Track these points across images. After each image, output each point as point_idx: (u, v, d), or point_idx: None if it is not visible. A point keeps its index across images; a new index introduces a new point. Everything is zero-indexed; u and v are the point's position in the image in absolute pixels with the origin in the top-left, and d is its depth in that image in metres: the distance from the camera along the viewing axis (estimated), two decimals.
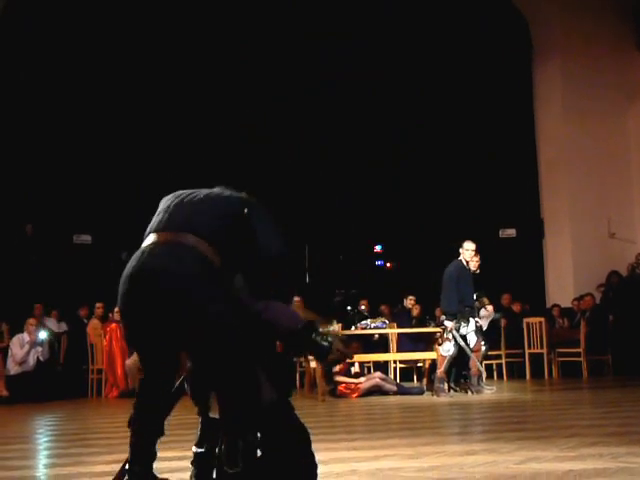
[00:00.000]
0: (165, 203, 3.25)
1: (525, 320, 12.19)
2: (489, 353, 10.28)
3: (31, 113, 13.39)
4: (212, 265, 2.99)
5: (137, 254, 3.12)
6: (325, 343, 3.17)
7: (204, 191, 3.23)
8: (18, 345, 10.79)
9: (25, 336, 10.82)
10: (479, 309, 9.84)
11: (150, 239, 3.11)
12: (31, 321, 10.96)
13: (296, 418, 3.39)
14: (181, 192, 3.26)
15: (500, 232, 15.00)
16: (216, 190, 3.26)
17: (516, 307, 13.06)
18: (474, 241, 9.51)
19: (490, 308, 10.59)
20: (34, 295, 12.03)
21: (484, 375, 9.50)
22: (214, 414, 3.24)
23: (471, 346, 9.22)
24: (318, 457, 4.20)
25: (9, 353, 10.80)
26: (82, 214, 13.75)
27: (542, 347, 11.86)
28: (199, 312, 2.94)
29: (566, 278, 14.21)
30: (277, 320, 3.20)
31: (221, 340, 2.98)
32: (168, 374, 3.22)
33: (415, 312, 12.40)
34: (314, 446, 4.15)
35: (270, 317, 3.19)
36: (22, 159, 13.26)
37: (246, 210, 3.14)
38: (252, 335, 3.17)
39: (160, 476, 3.29)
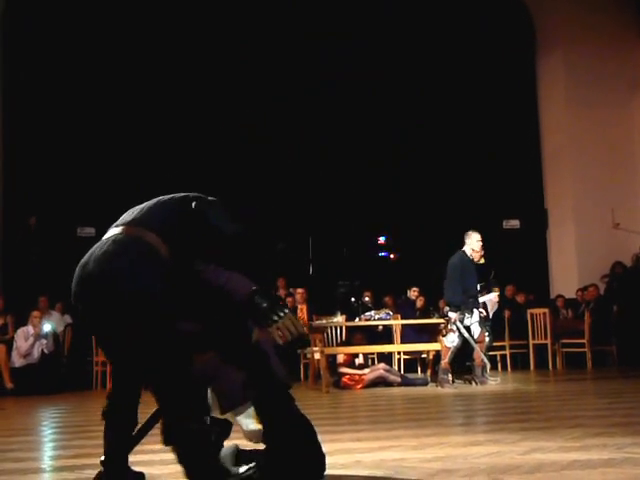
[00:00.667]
0: (127, 212, 3.38)
1: (529, 311, 12.19)
2: (493, 344, 10.27)
3: (35, 107, 13.40)
4: (157, 253, 3.08)
5: (95, 245, 3.23)
6: (273, 315, 3.15)
7: (163, 197, 3.38)
8: (23, 338, 10.81)
9: (30, 329, 10.84)
10: (488, 292, 9.87)
11: (108, 233, 3.24)
12: (35, 314, 10.98)
13: (297, 410, 3.38)
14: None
15: (504, 223, 14.99)
16: (174, 195, 3.39)
17: (520, 298, 13.05)
18: (478, 232, 9.49)
19: (495, 296, 10.63)
20: (38, 288, 12.06)
21: (488, 366, 9.49)
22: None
23: (475, 337, 9.22)
24: (323, 448, 4.22)
25: (14, 346, 10.82)
26: (85, 207, 13.75)
27: (546, 338, 11.86)
28: (121, 289, 3.01)
29: (570, 269, 14.20)
30: (234, 290, 3.19)
31: (140, 314, 3.01)
32: (127, 365, 3.22)
33: (419, 303, 12.40)
34: (319, 437, 4.15)
35: (229, 288, 3.20)
36: (26, 152, 13.27)
37: (194, 204, 3.26)
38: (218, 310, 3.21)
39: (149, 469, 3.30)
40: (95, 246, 3.21)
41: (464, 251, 9.36)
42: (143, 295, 3.02)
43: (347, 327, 10.06)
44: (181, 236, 3.18)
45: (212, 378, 3.26)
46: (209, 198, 3.36)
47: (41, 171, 13.39)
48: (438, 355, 9.74)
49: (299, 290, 12.51)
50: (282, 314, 3.15)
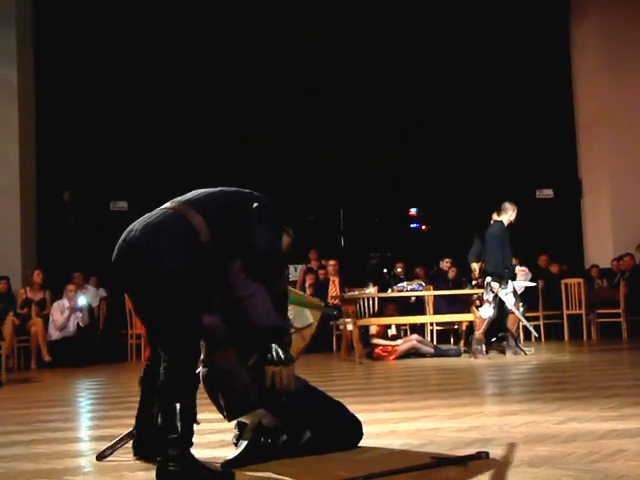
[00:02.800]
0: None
1: (563, 281, 12.07)
2: (527, 315, 10.21)
3: (68, 83, 13.47)
4: (197, 236, 3.12)
5: (146, 215, 3.31)
6: (277, 358, 3.22)
7: (229, 188, 3.43)
8: (58, 311, 10.95)
9: (65, 302, 10.98)
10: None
11: (163, 205, 3.33)
12: (70, 287, 11.11)
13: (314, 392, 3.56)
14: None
15: (537, 193, 14.85)
16: (240, 190, 3.44)
17: (554, 268, 12.94)
18: (512, 202, 9.40)
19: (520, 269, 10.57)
20: (74, 262, 12.19)
21: (534, 334, 9.45)
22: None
23: (509, 308, 9.17)
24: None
25: (50, 319, 10.97)
26: (118, 181, 13.85)
27: (581, 308, 11.76)
28: (153, 263, 3.06)
29: (605, 238, 14.04)
30: (251, 314, 3.27)
31: (164, 292, 3.05)
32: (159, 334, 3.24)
33: (451, 274, 12.35)
34: (353, 407, 4.17)
35: (247, 308, 3.27)
36: (59, 128, 13.36)
37: (255, 205, 3.29)
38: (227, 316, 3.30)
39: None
40: (145, 215, 3.28)
41: (502, 221, 9.27)
42: (170, 275, 3.05)
43: (379, 298, 10.04)
44: (227, 230, 3.22)
45: (226, 375, 3.29)
46: (268, 208, 3.35)
47: (75, 146, 13.48)
48: (471, 326, 9.71)
49: (331, 262, 12.53)
50: (284, 361, 3.23)
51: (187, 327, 3.09)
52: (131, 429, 3.51)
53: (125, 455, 3.57)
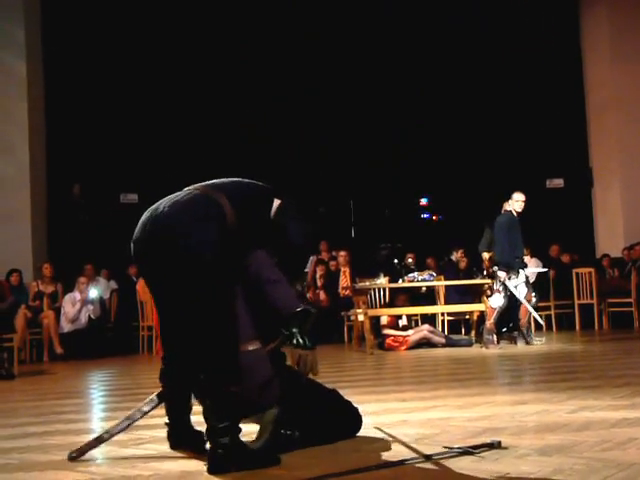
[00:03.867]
0: None
1: (574, 271, 12.05)
2: (539, 304, 10.19)
3: (78, 75, 13.49)
4: (223, 216, 3.11)
5: (170, 196, 3.31)
6: (303, 342, 3.19)
7: (247, 180, 3.43)
8: (70, 303, 10.99)
9: (76, 294, 11.02)
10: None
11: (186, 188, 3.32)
12: (82, 280, 11.14)
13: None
14: None
15: (547, 182, 14.80)
16: (259, 183, 3.44)
17: (565, 258, 12.91)
18: (522, 192, 9.38)
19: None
20: (85, 254, 12.22)
21: (543, 324, 9.45)
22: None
23: (521, 298, 9.17)
24: (369, 408, 4.25)
25: (62, 311, 11.01)
26: (129, 174, 13.88)
27: (592, 298, 11.73)
28: (185, 240, 3.05)
29: (616, 227, 13.99)
30: (276, 298, 3.23)
31: (190, 271, 3.03)
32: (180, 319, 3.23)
33: (462, 265, 12.32)
34: (364, 397, 4.18)
35: (270, 293, 3.23)
36: (69, 120, 13.38)
37: (280, 201, 3.30)
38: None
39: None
40: (171, 195, 3.28)
41: (510, 211, 9.27)
42: (196, 252, 3.04)
43: (390, 289, 10.04)
44: (250, 216, 3.22)
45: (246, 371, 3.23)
46: (293, 204, 3.37)
47: (84, 138, 13.50)
48: (482, 316, 9.70)
49: (342, 253, 12.53)
50: (311, 347, 3.21)
51: (218, 306, 3.06)
52: (102, 433, 3.50)
53: (137, 446, 3.58)
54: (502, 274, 9.09)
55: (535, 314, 9.38)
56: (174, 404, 3.41)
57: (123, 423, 3.47)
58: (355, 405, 3.66)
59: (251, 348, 3.18)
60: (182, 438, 3.42)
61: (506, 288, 9.07)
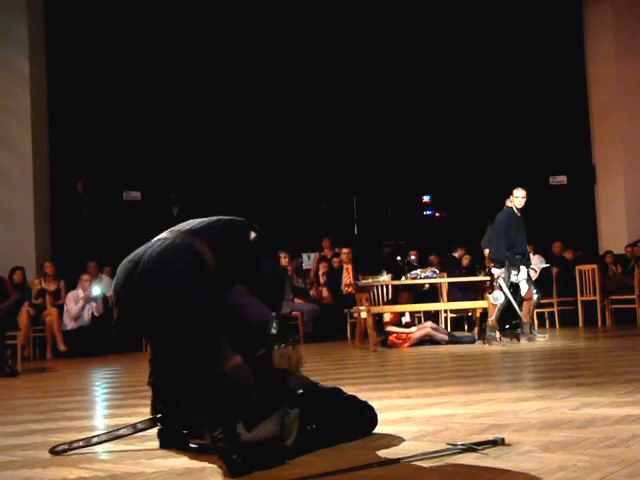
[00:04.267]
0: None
1: (578, 267, 12.03)
2: (541, 301, 10.18)
3: (81, 71, 13.49)
4: (203, 261, 3.17)
5: (146, 245, 3.39)
6: (279, 341, 3.24)
7: (224, 217, 3.48)
8: (73, 301, 11.00)
9: (79, 292, 11.03)
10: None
11: (161, 234, 3.39)
12: (85, 277, 11.15)
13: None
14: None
15: (550, 179, 14.78)
16: (234, 218, 3.49)
17: (568, 255, 12.89)
18: (522, 188, 9.36)
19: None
20: (88, 252, 12.23)
21: (536, 323, 9.43)
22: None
23: (523, 294, 9.16)
24: (372, 405, 4.25)
25: (65, 309, 11.02)
26: (132, 171, 13.88)
27: (595, 294, 11.72)
28: (166, 294, 3.12)
29: (619, 224, 13.98)
30: (249, 315, 3.31)
31: (175, 318, 3.12)
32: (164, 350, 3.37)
33: (465, 262, 12.33)
34: (367, 395, 4.17)
35: (243, 314, 3.30)
36: (72, 117, 13.38)
37: (254, 235, 3.37)
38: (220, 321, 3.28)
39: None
40: (145, 245, 3.34)
41: (511, 207, 9.27)
42: (180, 300, 3.11)
43: (393, 286, 10.03)
44: (230, 256, 3.27)
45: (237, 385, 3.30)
46: (266, 237, 3.43)
47: (87, 136, 13.51)
48: (485, 313, 9.69)
49: (344, 250, 12.52)
50: (288, 342, 3.25)
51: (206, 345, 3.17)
52: (92, 436, 3.56)
53: (141, 443, 3.59)
54: (496, 271, 9.10)
55: (519, 311, 9.28)
56: (165, 402, 3.43)
57: (113, 434, 3.51)
58: (370, 404, 3.68)
59: (234, 364, 3.26)
60: (171, 439, 3.44)
61: (507, 284, 9.06)
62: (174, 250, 3.22)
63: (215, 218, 3.45)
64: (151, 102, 13.81)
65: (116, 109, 13.66)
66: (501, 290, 9.09)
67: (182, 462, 3.18)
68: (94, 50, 13.56)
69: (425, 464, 2.87)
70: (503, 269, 9.07)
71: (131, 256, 3.32)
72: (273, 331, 3.25)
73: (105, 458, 3.37)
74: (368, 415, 3.64)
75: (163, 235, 3.36)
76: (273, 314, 3.29)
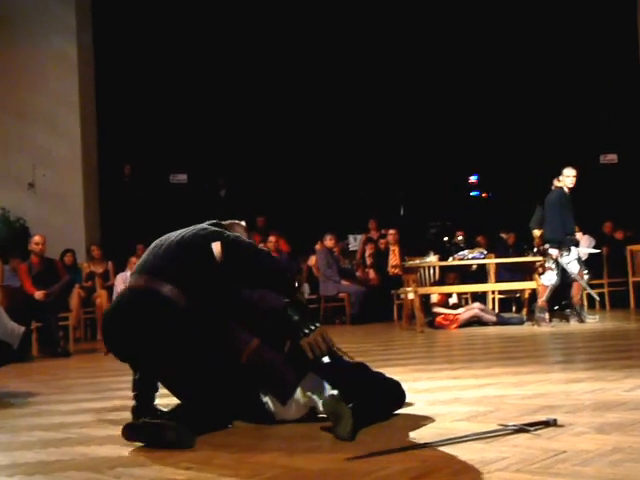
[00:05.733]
0: (151, 246, 3.55)
1: (628, 248, 11.82)
2: (591, 282, 10.04)
3: (128, 56, 13.60)
4: (175, 306, 3.25)
5: (116, 299, 3.61)
6: (305, 329, 3.29)
7: (178, 235, 3.46)
8: (122, 282, 11.10)
9: (128, 274, 11.14)
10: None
11: (130, 281, 3.48)
12: (133, 259, 11.24)
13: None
14: (164, 236, 3.53)
15: (601, 157, 14.53)
16: (189, 232, 3.46)
17: (619, 235, 12.68)
18: (572, 167, 9.22)
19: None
20: (136, 234, 12.36)
21: (586, 304, 9.31)
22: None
23: (572, 276, 9.05)
24: (421, 386, 4.24)
25: (114, 290, 11.16)
26: (178, 154, 13.98)
27: None
28: (140, 341, 3.31)
29: None
30: (263, 301, 3.44)
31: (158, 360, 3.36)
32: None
33: (511, 242, 12.21)
34: (415, 375, 4.16)
35: (261, 306, 3.46)
36: (119, 101, 13.51)
37: (213, 245, 3.33)
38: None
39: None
40: (120, 296, 3.50)
41: (562, 187, 9.13)
42: (159, 348, 3.29)
43: (440, 267, 9.97)
44: (199, 281, 3.32)
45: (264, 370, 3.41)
46: (231, 237, 3.41)
47: (134, 119, 13.63)
48: (534, 294, 9.59)
49: (391, 231, 12.47)
50: (313, 327, 3.28)
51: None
52: None
53: None
54: (554, 252, 8.98)
55: (590, 290, 9.24)
56: (143, 382, 3.54)
57: None
58: (396, 379, 3.69)
59: (253, 347, 3.39)
60: (144, 413, 3.46)
61: (558, 265, 8.95)
62: (142, 306, 3.30)
63: (175, 240, 3.43)
64: (198, 85, 13.88)
65: (163, 92, 13.76)
66: (554, 271, 8.98)
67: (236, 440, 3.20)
68: (141, 34, 13.65)
69: (478, 444, 2.85)
70: (564, 249, 8.95)
71: (112, 305, 3.54)
72: (295, 317, 3.30)
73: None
74: (398, 392, 3.63)
75: (130, 282, 3.44)
76: (287, 300, 3.33)
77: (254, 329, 3.47)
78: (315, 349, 3.29)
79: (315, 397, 3.37)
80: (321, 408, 3.32)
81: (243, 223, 3.89)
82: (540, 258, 9.38)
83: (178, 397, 3.50)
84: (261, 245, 11.72)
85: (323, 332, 3.32)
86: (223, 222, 3.70)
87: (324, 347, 3.31)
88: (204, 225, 3.51)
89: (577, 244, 9.26)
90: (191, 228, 3.49)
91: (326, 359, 3.47)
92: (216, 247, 3.33)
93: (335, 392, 3.25)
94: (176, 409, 3.37)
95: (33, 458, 3.02)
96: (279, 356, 3.41)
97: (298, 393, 3.40)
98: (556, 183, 9.30)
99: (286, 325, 3.31)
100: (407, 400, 3.77)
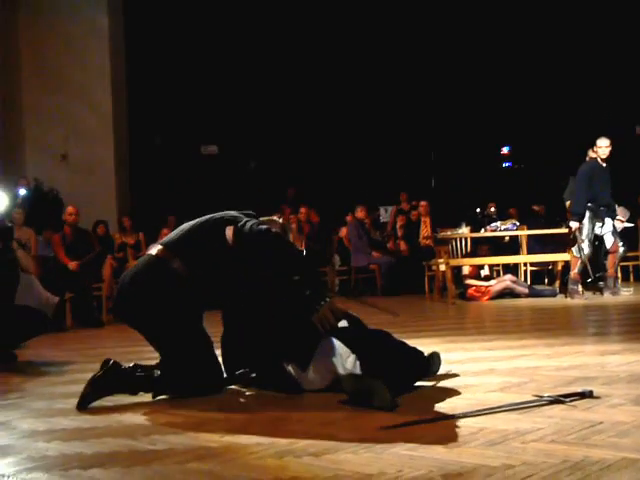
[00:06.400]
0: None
1: None
2: (627, 254, 9.93)
3: (159, 28, 13.59)
4: (180, 280, 3.48)
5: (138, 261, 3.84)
6: (317, 305, 3.37)
7: (205, 217, 3.68)
8: None
9: None
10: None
11: (149, 248, 3.92)
12: (165, 231, 11.30)
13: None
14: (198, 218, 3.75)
15: (637, 128, 14.32)
16: (212, 216, 3.66)
17: None
18: (606, 137, 9.07)
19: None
20: (167, 205, 12.43)
21: (620, 277, 9.21)
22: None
23: (607, 247, 8.94)
24: (453, 357, 4.23)
25: None
26: (209, 126, 13.98)
27: None
28: (141, 308, 3.57)
29: None
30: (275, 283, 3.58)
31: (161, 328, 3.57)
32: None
33: (543, 213, 12.10)
34: (448, 346, 4.14)
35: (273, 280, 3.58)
36: (150, 72, 13.51)
37: (227, 229, 3.51)
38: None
39: None
40: (135, 265, 3.73)
41: (595, 158, 9.00)
42: (157, 314, 3.53)
43: (472, 239, 9.90)
44: (209, 263, 3.52)
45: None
46: (242, 226, 3.48)
47: (165, 90, 13.64)
48: (567, 266, 9.50)
49: (422, 202, 12.40)
50: (322, 303, 3.36)
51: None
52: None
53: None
54: (574, 224, 8.86)
55: (589, 266, 9.01)
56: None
57: None
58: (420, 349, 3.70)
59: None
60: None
61: (591, 237, 8.85)
62: (151, 272, 3.55)
63: (197, 224, 3.63)
64: (229, 56, 13.84)
65: (193, 64, 13.74)
66: (583, 243, 8.89)
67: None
68: (171, 4, 13.61)
69: (512, 415, 2.83)
70: (584, 221, 8.84)
71: (125, 273, 3.81)
72: (306, 292, 3.40)
73: (193, 403, 3.41)
74: (421, 361, 3.62)
75: (148, 250, 3.75)
76: (297, 276, 3.42)
77: (270, 301, 3.57)
78: (325, 324, 3.37)
79: (336, 362, 3.35)
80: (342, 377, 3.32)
81: (280, 220, 3.92)
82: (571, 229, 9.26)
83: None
84: (292, 217, 11.74)
85: (332, 306, 3.39)
86: (262, 218, 3.76)
87: (333, 322, 3.39)
88: (232, 213, 3.63)
89: (613, 216, 9.12)
90: (219, 214, 3.65)
91: (344, 323, 3.50)
92: (229, 231, 3.49)
93: (354, 366, 3.25)
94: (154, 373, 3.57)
95: (69, 425, 3.05)
96: (295, 325, 3.49)
97: (319, 361, 3.40)
98: (590, 154, 9.18)
99: (298, 300, 3.43)
100: (440, 371, 3.77)
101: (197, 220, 3.67)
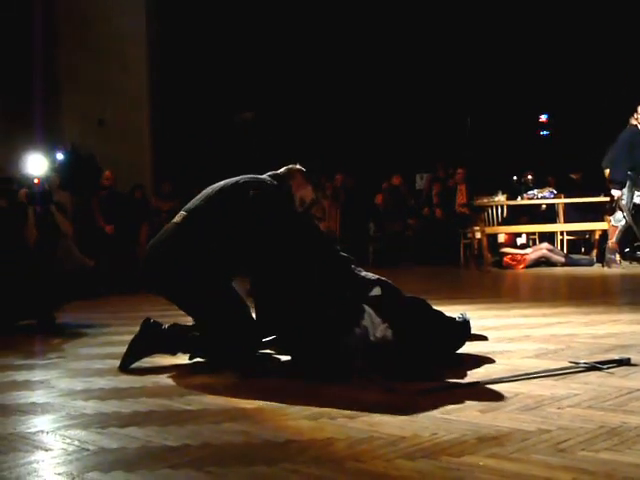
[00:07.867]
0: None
1: None
2: None
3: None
4: (201, 245, 3.48)
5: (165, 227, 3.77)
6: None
7: (226, 181, 3.68)
8: None
9: None
10: None
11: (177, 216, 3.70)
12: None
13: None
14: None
15: None
16: (233, 180, 3.66)
17: None
18: None
19: None
20: (201, 172, 12.44)
21: None
22: None
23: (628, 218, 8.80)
24: (489, 323, 4.21)
25: None
26: (244, 92, 13.94)
27: None
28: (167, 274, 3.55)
29: None
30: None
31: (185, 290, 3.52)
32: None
33: (580, 181, 11.92)
34: (483, 313, 4.11)
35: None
36: (184, 37, 13.47)
37: (251, 192, 3.53)
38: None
39: None
40: (160, 233, 3.70)
41: (636, 125, 8.83)
42: (182, 280, 3.49)
43: (509, 206, 9.81)
44: (230, 228, 3.50)
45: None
46: (263, 193, 3.56)
47: (200, 56, 13.58)
48: (604, 235, 9.38)
49: (459, 170, 12.28)
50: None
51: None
52: None
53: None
54: (616, 192, 8.72)
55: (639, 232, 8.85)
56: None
57: None
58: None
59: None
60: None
61: (634, 206, 8.71)
62: (177, 239, 3.55)
63: (219, 188, 3.63)
64: (262, 21, 13.76)
65: (228, 29, 13.67)
66: (622, 212, 8.76)
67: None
68: None
69: (548, 381, 2.81)
70: (624, 190, 8.70)
71: (153, 239, 3.75)
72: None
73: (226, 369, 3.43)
74: (460, 331, 3.58)
75: (175, 218, 3.66)
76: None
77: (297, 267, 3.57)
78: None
79: (368, 329, 3.33)
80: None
81: (298, 166, 3.87)
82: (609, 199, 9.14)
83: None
84: (327, 184, 11.71)
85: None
86: (279, 171, 3.79)
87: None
88: (252, 176, 3.67)
89: None
90: (242, 177, 3.66)
91: (377, 291, 3.46)
92: (250, 193, 3.54)
93: (384, 335, 3.23)
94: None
95: (106, 385, 3.09)
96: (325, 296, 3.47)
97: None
98: (631, 121, 9.00)
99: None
100: (474, 338, 3.74)
101: (217, 184, 3.67)
